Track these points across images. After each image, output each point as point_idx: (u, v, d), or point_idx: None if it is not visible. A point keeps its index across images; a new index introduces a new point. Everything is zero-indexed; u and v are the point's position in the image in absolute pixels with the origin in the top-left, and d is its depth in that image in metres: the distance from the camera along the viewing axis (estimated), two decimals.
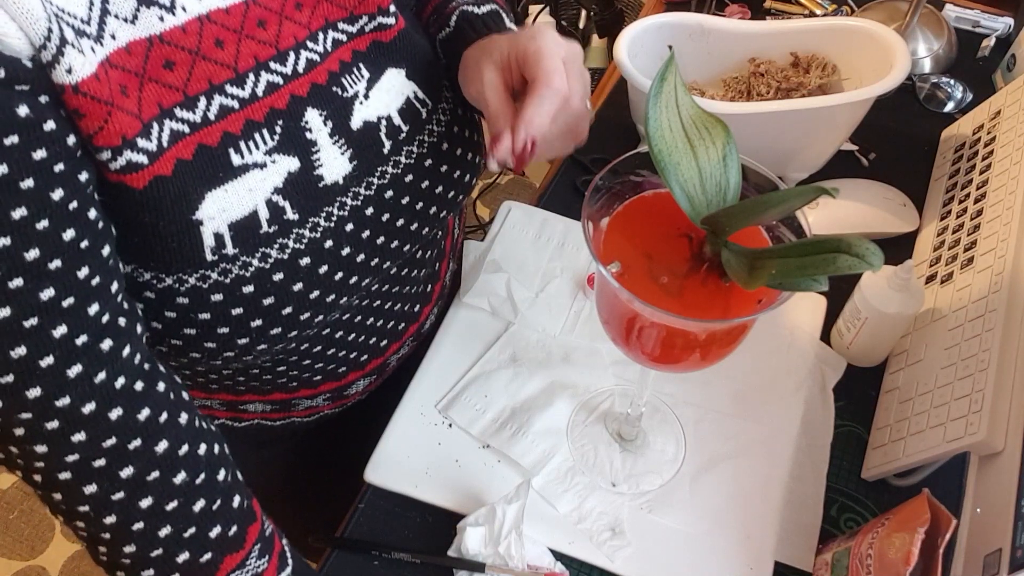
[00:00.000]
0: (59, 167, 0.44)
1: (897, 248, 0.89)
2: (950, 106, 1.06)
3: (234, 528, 0.56)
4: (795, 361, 0.80)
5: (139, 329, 0.51)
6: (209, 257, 0.51)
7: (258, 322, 0.55)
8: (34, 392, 0.46)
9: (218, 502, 0.55)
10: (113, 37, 0.46)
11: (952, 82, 1.08)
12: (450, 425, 0.75)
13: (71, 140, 0.45)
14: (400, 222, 0.62)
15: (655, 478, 0.73)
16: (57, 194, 0.44)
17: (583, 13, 1.94)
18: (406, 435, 0.74)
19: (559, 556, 0.68)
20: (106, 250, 0.48)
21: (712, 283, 0.55)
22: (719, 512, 0.71)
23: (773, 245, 0.57)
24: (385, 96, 0.59)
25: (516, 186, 2.24)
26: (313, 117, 0.55)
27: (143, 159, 0.48)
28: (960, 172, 0.91)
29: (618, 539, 0.69)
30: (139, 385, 0.50)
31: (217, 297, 0.53)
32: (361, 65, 0.58)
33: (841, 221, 0.89)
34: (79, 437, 0.48)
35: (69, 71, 0.44)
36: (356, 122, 0.58)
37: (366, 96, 0.58)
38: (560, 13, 1.95)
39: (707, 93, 0.97)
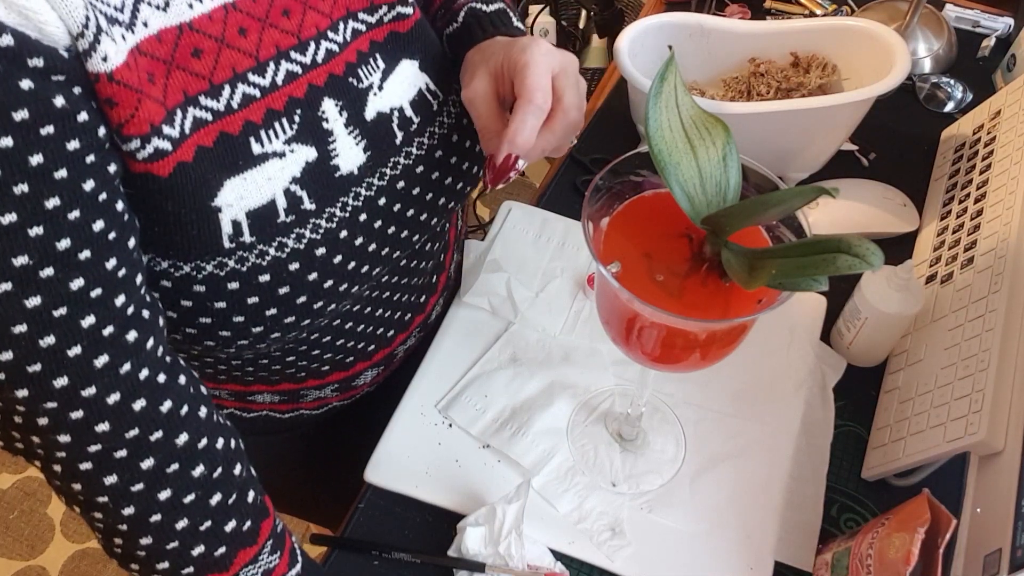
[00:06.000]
0: (90, 158, 0.45)
1: (897, 248, 0.89)
2: (950, 106, 1.06)
3: (248, 523, 0.56)
4: (795, 361, 0.80)
5: (161, 322, 0.52)
6: (227, 244, 0.52)
7: (273, 311, 0.55)
8: (61, 381, 0.46)
9: (234, 496, 0.55)
10: (145, 24, 0.47)
11: (952, 82, 1.08)
12: (450, 425, 0.75)
13: (101, 132, 0.46)
14: (411, 212, 0.63)
15: (655, 478, 0.73)
16: (88, 185, 0.45)
17: (583, 13, 1.94)
18: (406, 435, 0.75)
19: (559, 556, 0.68)
20: (132, 242, 0.49)
21: (712, 283, 0.55)
22: (719, 512, 0.71)
23: (773, 245, 0.57)
24: (398, 88, 0.60)
25: (516, 186, 2.24)
26: (329, 107, 0.56)
27: (167, 146, 0.48)
28: (960, 172, 0.91)
29: (618, 539, 0.69)
30: (162, 377, 0.51)
31: (233, 285, 0.53)
32: (378, 55, 0.59)
33: (841, 221, 0.89)
34: (103, 427, 0.48)
35: (104, 59, 0.44)
36: (370, 113, 0.58)
37: (380, 87, 0.59)
38: (560, 13, 1.95)
39: (707, 93, 0.97)
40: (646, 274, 0.55)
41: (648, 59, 0.89)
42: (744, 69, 0.96)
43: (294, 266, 0.55)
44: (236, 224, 0.52)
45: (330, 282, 0.58)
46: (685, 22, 0.93)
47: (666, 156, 0.53)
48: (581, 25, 1.96)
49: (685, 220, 0.54)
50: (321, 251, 0.56)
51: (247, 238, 0.52)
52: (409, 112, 0.60)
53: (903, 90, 1.04)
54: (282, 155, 0.53)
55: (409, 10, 0.60)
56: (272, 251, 0.54)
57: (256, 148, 0.52)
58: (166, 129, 0.48)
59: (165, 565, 0.54)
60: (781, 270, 0.49)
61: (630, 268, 0.55)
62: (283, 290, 0.55)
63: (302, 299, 0.56)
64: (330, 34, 0.56)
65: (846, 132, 0.91)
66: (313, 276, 0.56)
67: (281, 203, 0.53)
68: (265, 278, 0.54)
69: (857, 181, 0.94)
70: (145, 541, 0.53)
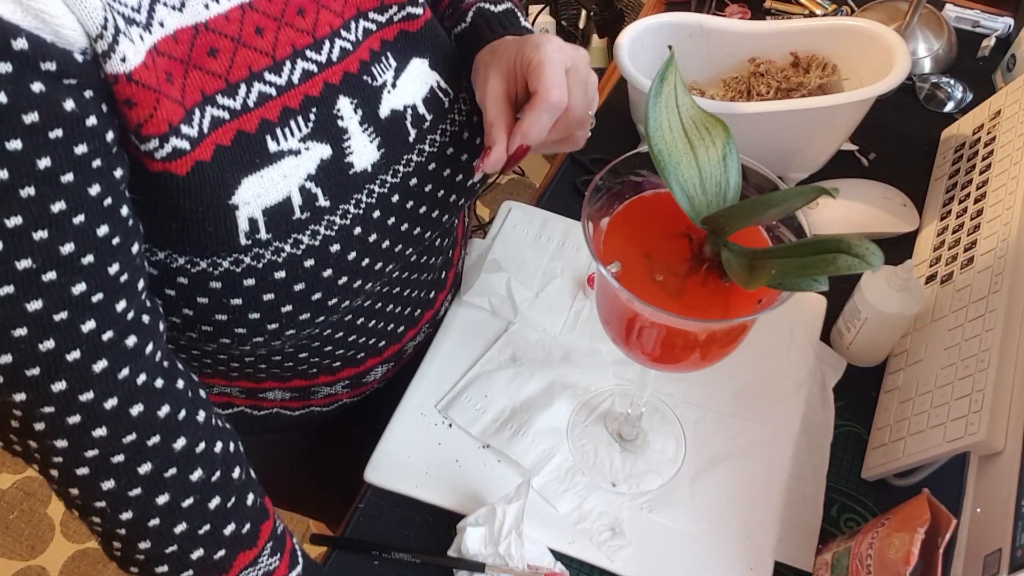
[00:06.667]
0: (97, 163, 0.45)
1: (897, 248, 0.89)
2: (950, 106, 1.06)
3: (247, 526, 0.56)
4: (795, 361, 0.80)
5: (161, 327, 0.52)
6: (243, 241, 0.52)
7: (288, 308, 0.56)
8: (59, 386, 0.46)
9: (233, 500, 0.55)
10: (162, 25, 0.47)
11: (952, 82, 1.08)
12: (450, 425, 0.75)
13: (109, 136, 0.46)
14: (423, 209, 0.63)
15: (655, 478, 0.73)
16: (94, 190, 0.45)
17: (583, 13, 1.94)
18: (406, 435, 0.74)
19: (559, 556, 0.68)
20: (135, 247, 0.49)
21: (712, 283, 0.55)
22: (719, 512, 0.71)
23: (773, 245, 0.57)
24: (411, 86, 0.60)
25: (516, 186, 2.24)
26: (344, 105, 0.56)
27: (186, 145, 0.48)
28: (960, 172, 0.91)
29: (618, 539, 0.69)
30: (159, 382, 0.51)
31: (249, 282, 0.54)
32: (389, 54, 0.59)
33: (841, 221, 0.89)
34: (100, 432, 0.49)
35: (123, 60, 0.44)
36: (384, 110, 0.59)
37: (394, 85, 0.59)
38: (560, 13, 1.95)
39: (707, 93, 0.97)
40: (646, 274, 0.55)
41: (648, 59, 0.89)
42: (744, 69, 0.96)
43: (309, 263, 0.55)
44: (252, 221, 0.52)
45: (344, 278, 0.58)
46: (685, 22, 0.93)
47: (666, 156, 0.53)
48: (581, 25, 1.96)
49: (685, 220, 0.54)
50: (336, 248, 0.57)
51: (263, 235, 0.53)
52: (422, 110, 0.61)
53: (903, 90, 1.04)
54: (297, 153, 0.54)
55: (419, 10, 0.60)
56: (288, 248, 0.54)
57: (272, 146, 0.53)
58: (184, 129, 0.48)
59: (164, 568, 0.54)
60: (781, 270, 0.49)
61: (630, 268, 0.55)
62: (298, 287, 0.55)
63: (317, 295, 0.57)
64: (343, 33, 0.56)
65: (846, 132, 0.91)
66: (328, 272, 0.57)
67: (296, 200, 0.54)
68: (281, 275, 0.54)
69: (857, 181, 0.94)
70: (144, 545, 0.53)
